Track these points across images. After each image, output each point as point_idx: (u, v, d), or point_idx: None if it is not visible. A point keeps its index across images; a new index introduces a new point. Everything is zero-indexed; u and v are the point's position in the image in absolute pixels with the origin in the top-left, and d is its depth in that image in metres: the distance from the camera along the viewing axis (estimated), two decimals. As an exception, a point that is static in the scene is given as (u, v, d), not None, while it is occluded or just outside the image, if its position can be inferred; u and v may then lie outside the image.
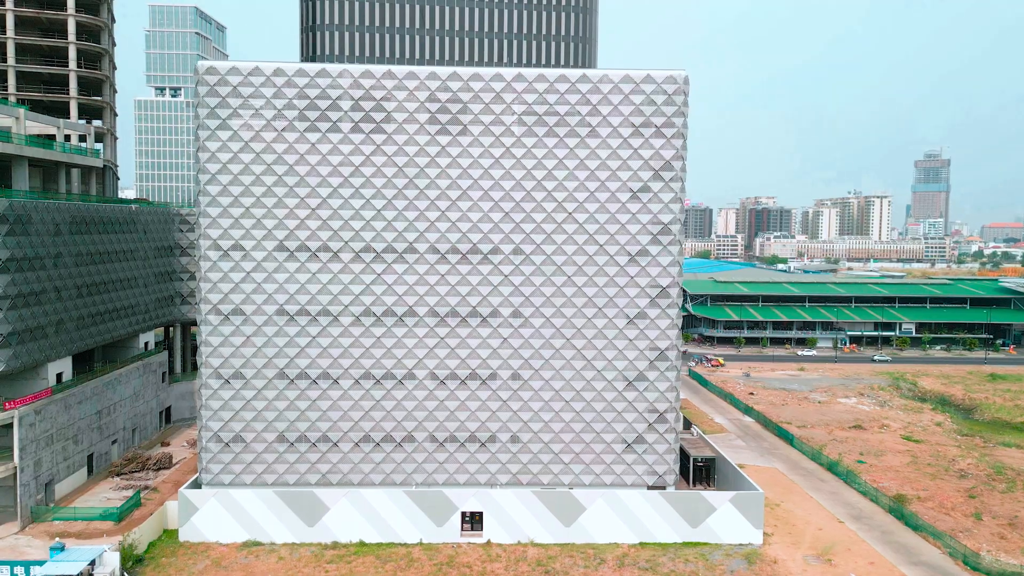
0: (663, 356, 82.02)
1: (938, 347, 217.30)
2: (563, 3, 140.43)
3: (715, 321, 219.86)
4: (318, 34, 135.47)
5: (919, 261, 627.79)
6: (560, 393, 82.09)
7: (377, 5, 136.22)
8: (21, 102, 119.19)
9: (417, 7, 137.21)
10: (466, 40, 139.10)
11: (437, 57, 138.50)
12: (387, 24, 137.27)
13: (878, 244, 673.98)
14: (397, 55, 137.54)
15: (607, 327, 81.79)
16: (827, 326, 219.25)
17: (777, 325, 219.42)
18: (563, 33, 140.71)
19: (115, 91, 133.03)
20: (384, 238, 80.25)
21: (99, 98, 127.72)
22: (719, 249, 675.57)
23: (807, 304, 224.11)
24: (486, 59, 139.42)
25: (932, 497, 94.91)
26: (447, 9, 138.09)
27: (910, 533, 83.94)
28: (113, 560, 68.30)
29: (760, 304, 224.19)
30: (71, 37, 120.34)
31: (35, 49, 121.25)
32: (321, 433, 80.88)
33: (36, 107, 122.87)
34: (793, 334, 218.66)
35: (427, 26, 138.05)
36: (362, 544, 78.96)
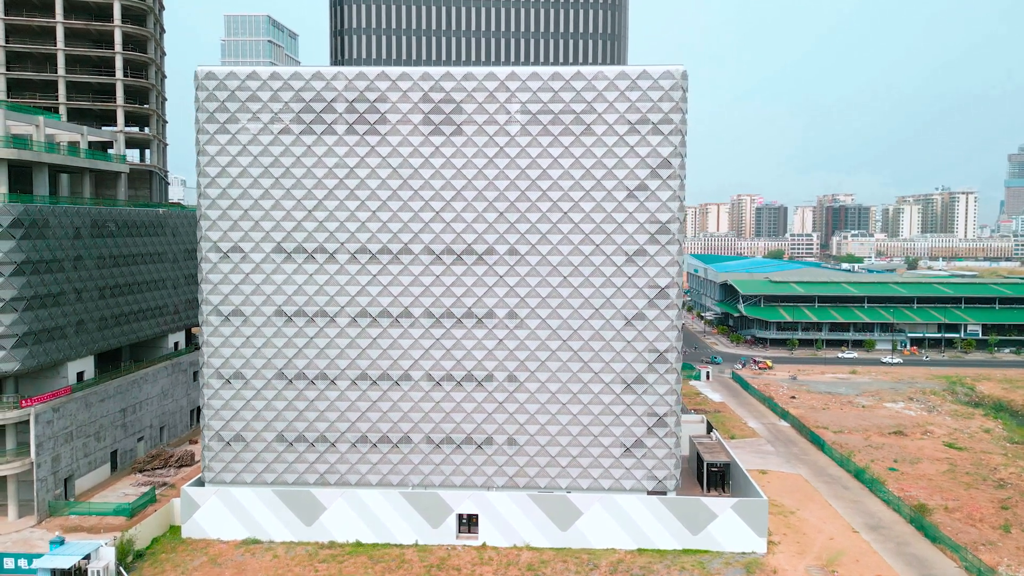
0: (662, 359, 79.92)
1: (1007, 350, 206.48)
2: (592, 0, 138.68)
3: (767, 323, 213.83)
4: (347, 38, 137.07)
5: (1008, 259, 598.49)
6: (557, 396, 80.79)
7: (404, 8, 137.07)
8: (71, 111, 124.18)
9: (444, 9, 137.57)
10: (492, 40, 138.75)
11: (464, 58, 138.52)
12: (415, 27, 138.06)
13: (963, 242, 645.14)
14: (424, 57, 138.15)
15: (604, 328, 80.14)
16: (887, 328, 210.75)
17: (834, 327, 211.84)
18: (592, 31, 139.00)
19: (163, 99, 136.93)
20: (379, 239, 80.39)
21: (146, 106, 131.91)
22: (793, 248, 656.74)
23: (866, 305, 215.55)
24: (514, 59, 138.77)
25: (961, 507, 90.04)
26: (474, 10, 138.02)
27: (927, 544, 79.69)
28: (108, 554, 70.06)
29: (816, 305, 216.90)
30: (117, 48, 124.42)
31: (85, 60, 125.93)
32: (319, 433, 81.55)
33: (86, 115, 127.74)
34: (850, 336, 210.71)
35: (454, 27, 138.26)
36: (358, 544, 79.34)
